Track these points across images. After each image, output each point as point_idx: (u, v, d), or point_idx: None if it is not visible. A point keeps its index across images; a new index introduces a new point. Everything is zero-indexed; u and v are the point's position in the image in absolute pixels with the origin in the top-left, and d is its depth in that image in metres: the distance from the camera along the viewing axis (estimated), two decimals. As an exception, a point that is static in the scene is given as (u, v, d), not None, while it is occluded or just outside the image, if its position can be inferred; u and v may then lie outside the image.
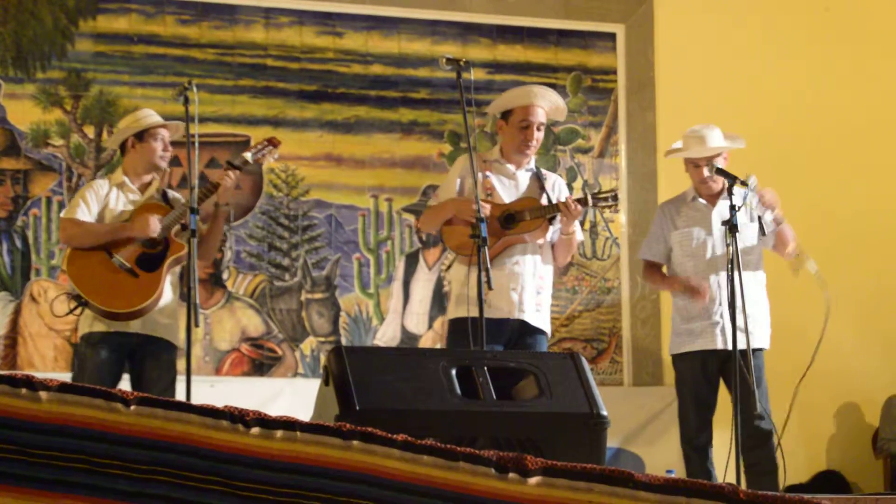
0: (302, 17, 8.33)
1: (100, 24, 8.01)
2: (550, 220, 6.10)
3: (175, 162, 7.64)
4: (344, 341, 8.07)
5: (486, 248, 5.60)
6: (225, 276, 8.02)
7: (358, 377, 4.42)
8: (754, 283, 6.45)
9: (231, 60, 8.19)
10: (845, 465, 8.71)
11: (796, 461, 7.83)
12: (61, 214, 6.15)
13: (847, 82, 8.98)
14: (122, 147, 6.23)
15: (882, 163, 8.98)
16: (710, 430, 6.49)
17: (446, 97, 8.34)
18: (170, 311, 6.07)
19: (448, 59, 5.94)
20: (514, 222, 6.00)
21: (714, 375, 6.45)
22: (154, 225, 5.94)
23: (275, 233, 8.13)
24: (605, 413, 4.63)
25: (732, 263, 5.90)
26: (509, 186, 6.12)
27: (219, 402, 2.29)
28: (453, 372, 4.58)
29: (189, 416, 2.22)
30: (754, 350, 6.13)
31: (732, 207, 5.97)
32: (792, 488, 7.85)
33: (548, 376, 4.66)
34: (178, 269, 6.13)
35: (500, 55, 8.61)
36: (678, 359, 6.55)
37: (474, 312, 5.70)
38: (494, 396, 4.59)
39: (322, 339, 8.10)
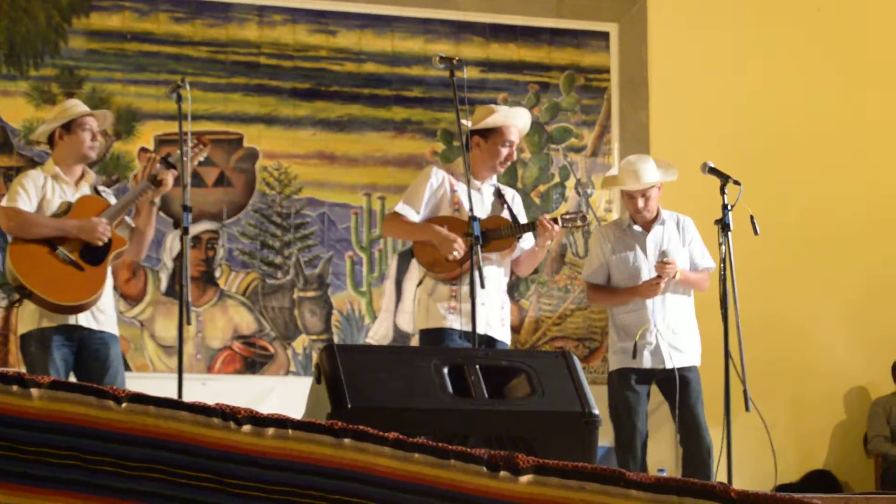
0: (295, 16, 8.33)
1: (93, 21, 8.01)
2: (518, 239, 6.24)
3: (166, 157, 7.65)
4: (336, 339, 8.07)
5: (479, 246, 5.69)
6: (217, 273, 8.02)
7: (350, 375, 4.42)
8: (685, 306, 6.75)
9: (224, 58, 8.19)
10: (836, 465, 8.72)
11: (787, 460, 7.85)
12: (1, 203, 6.07)
13: (839, 82, 8.99)
14: (51, 139, 6.19)
15: (873, 161, 9.00)
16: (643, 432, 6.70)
17: (439, 96, 8.34)
18: (108, 303, 6.06)
19: (441, 58, 5.97)
20: (486, 240, 6.05)
21: (645, 390, 6.70)
22: (105, 230, 5.92)
23: (267, 231, 8.12)
24: (596, 412, 4.64)
25: (725, 262, 6.00)
26: (476, 200, 6.16)
27: (210, 400, 2.29)
28: (445, 370, 4.58)
29: (181, 413, 2.22)
30: (690, 367, 6.61)
31: (725, 206, 6.09)
32: (783, 487, 7.87)
33: (539, 375, 4.67)
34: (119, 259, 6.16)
35: (493, 54, 8.61)
36: (613, 375, 6.77)
37: (445, 324, 6.02)
38: (486, 395, 4.59)
39: (314, 338, 8.10)
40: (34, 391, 2.21)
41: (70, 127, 6.11)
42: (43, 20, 7.92)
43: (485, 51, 8.60)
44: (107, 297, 6.04)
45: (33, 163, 7.77)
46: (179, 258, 5.78)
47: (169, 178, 6.05)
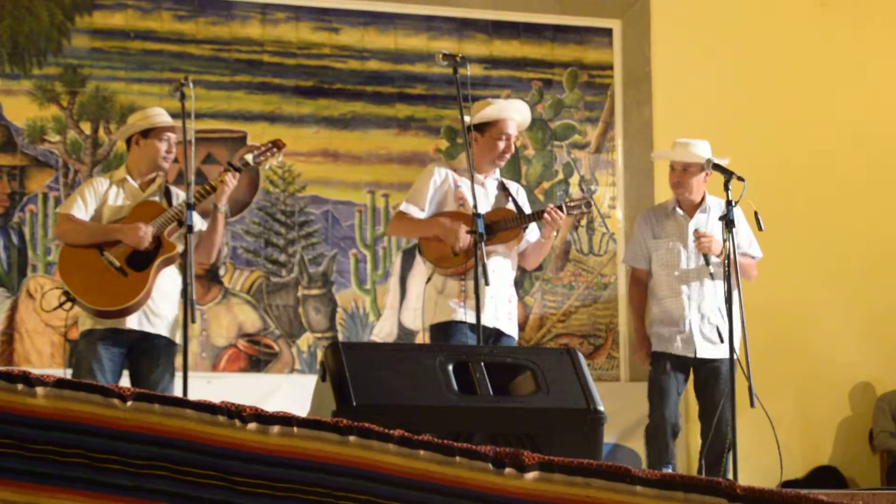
0: (298, 13, 8.32)
1: (96, 20, 8.00)
2: (524, 229, 6.22)
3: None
4: (341, 337, 8.07)
5: (483, 243, 5.70)
6: (221, 272, 8.02)
7: (355, 373, 4.42)
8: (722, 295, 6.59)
9: (227, 56, 8.19)
10: (842, 461, 8.72)
11: (793, 456, 7.85)
12: (57, 209, 6.16)
13: (844, 77, 8.98)
14: (128, 143, 6.22)
15: (879, 158, 8.99)
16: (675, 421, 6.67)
17: (443, 93, 8.34)
18: (167, 308, 6.06)
19: (444, 55, 5.97)
20: (492, 232, 6.05)
21: (683, 378, 6.66)
22: (145, 238, 5.93)
23: (271, 229, 8.12)
24: (601, 408, 4.63)
25: (729, 259, 5.98)
26: (480, 195, 6.16)
27: (216, 398, 2.29)
28: (450, 368, 4.58)
29: (186, 411, 2.22)
30: (722, 358, 6.43)
31: (729, 203, 6.06)
32: (788, 483, 7.86)
33: (544, 372, 4.66)
34: (176, 265, 6.13)
35: (496, 51, 8.61)
36: (652, 357, 6.75)
37: (454, 317, 6.03)
38: (491, 392, 4.59)
39: (319, 335, 8.10)
40: (40, 389, 2.21)
41: (148, 134, 6.13)
42: (46, 19, 7.91)
43: (488, 48, 8.59)
44: (165, 302, 6.05)
45: (37, 161, 7.78)
46: (184, 256, 5.78)
47: (227, 183, 6.05)
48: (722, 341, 6.44)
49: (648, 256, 6.77)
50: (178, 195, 6.22)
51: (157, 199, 6.16)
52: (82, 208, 6.04)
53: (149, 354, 6.02)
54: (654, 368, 6.71)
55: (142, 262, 5.97)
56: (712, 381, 6.54)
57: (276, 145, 6.33)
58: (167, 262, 6.03)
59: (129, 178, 6.14)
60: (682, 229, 6.67)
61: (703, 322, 6.56)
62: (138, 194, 6.13)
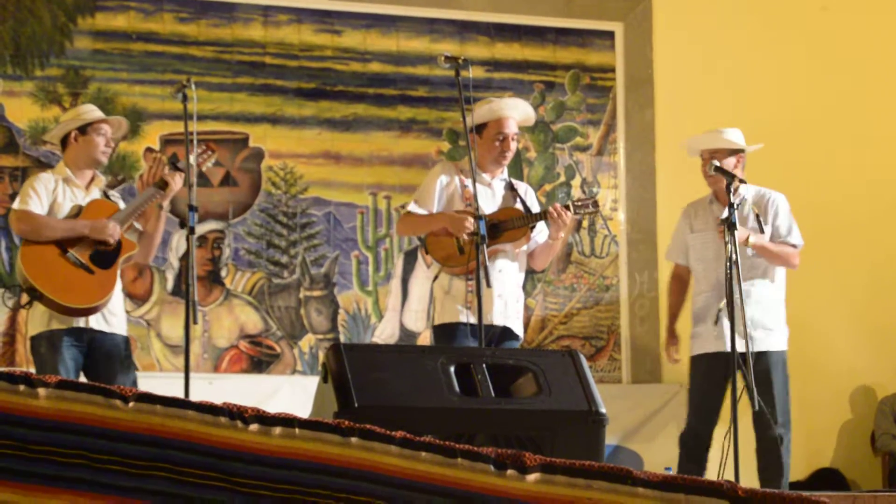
0: (300, 15, 8.33)
1: (98, 21, 8.01)
2: (531, 228, 6.19)
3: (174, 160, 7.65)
4: (342, 339, 8.07)
5: (485, 245, 5.69)
6: (223, 273, 8.02)
7: (356, 374, 4.42)
8: (762, 290, 6.50)
9: (229, 58, 8.19)
10: (844, 463, 8.71)
11: (795, 458, 7.83)
12: (13, 206, 6.09)
13: (844, 80, 8.98)
14: (64, 141, 6.20)
15: (878, 159, 8.99)
16: (707, 432, 6.51)
17: (445, 95, 8.34)
18: (119, 306, 6.09)
19: (446, 57, 5.96)
20: (498, 231, 6.04)
21: (721, 378, 6.34)
22: (115, 231, 5.94)
23: (273, 230, 8.13)
24: (603, 410, 4.63)
25: (731, 261, 5.92)
26: (486, 195, 6.15)
27: (217, 400, 2.29)
28: (452, 369, 4.57)
29: (188, 412, 2.22)
30: (765, 352, 6.32)
31: (731, 206, 5.99)
32: (791, 485, 7.85)
33: (546, 374, 4.66)
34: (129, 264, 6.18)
35: (498, 53, 8.61)
36: (690, 361, 6.61)
37: (459, 318, 5.97)
38: (493, 394, 4.59)
39: (320, 337, 8.10)
40: (41, 391, 2.21)
41: (85, 130, 6.13)
42: (48, 20, 7.92)
43: (490, 50, 8.59)
44: (117, 300, 6.06)
45: (39, 163, 7.78)
46: (185, 258, 5.79)
47: (177, 180, 6.06)
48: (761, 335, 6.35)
49: (687, 251, 6.65)
50: (116, 196, 6.26)
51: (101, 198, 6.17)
52: (38, 204, 5.99)
53: (109, 354, 6.00)
54: (690, 372, 6.58)
55: (105, 260, 5.95)
56: (745, 373, 6.32)
57: (210, 147, 6.38)
58: (128, 261, 6.07)
59: (70, 174, 6.11)
60: (716, 221, 6.40)
61: (736, 316, 6.28)
62: (82, 193, 6.12)
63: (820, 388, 8.68)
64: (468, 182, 6.18)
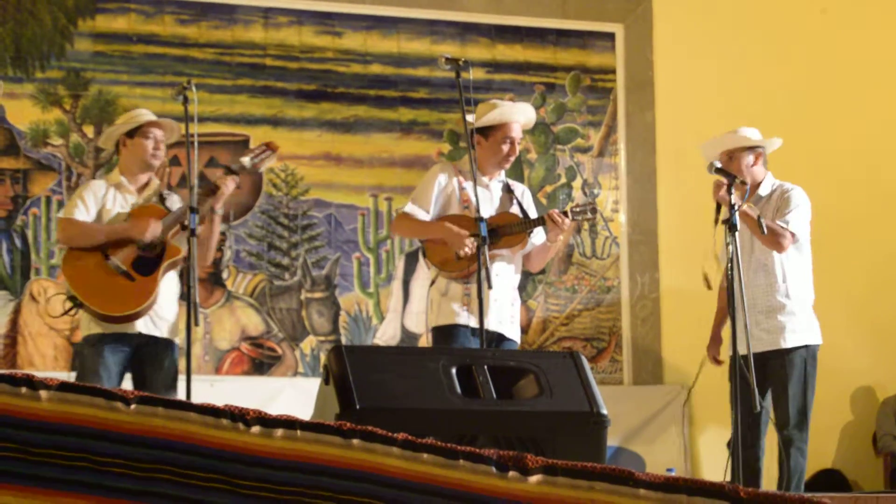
0: (301, 17, 8.33)
1: (99, 23, 8.02)
2: (529, 234, 6.19)
3: (174, 161, 7.65)
4: (344, 340, 8.07)
5: (486, 247, 5.68)
6: (224, 275, 8.02)
7: (358, 376, 4.42)
8: (771, 286, 6.45)
9: (230, 60, 8.20)
10: (845, 464, 8.71)
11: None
12: (59, 214, 6.13)
13: (844, 82, 8.98)
14: (116, 147, 6.22)
15: (880, 163, 8.99)
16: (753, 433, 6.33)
17: (445, 97, 8.34)
18: (170, 311, 6.06)
19: (447, 59, 5.96)
20: (497, 237, 6.04)
21: (760, 379, 6.19)
22: (154, 228, 5.91)
23: (274, 232, 8.13)
24: (605, 412, 4.63)
25: (732, 262, 5.89)
26: (484, 197, 6.15)
27: (219, 402, 2.29)
28: (453, 371, 4.57)
29: (189, 415, 2.22)
30: (778, 350, 6.29)
31: (732, 206, 5.97)
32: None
33: (548, 375, 4.66)
34: (178, 268, 6.12)
35: (498, 55, 8.61)
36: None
37: (456, 320, 6.00)
38: (494, 395, 4.58)
39: (322, 339, 8.10)
40: (43, 393, 2.21)
41: (134, 134, 6.12)
42: (49, 22, 7.93)
43: (490, 52, 8.60)
44: (168, 304, 6.04)
45: (40, 165, 7.79)
46: (187, 260, 5.78)
47: (228, 184, 6.04)
48: (784, 330, 6.31)
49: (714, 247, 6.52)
50: (175, 200, 6.21)
51: (154, 202, 6.16)
52: (84, 212, 6.01)
53: (154, 358, 6.01)
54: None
55: (148, 266, 5.95)
56: (766, 374, 6.25)
57: (270, 147, 6.30)
58: (172, 266, 6.03)
59: (124, 181, 6.12)
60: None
61: (749, 314, 6.15)
62: (135, 199, 6.11)
63: (821, 389, 8.63)
64: (466, 184, 6.17)
